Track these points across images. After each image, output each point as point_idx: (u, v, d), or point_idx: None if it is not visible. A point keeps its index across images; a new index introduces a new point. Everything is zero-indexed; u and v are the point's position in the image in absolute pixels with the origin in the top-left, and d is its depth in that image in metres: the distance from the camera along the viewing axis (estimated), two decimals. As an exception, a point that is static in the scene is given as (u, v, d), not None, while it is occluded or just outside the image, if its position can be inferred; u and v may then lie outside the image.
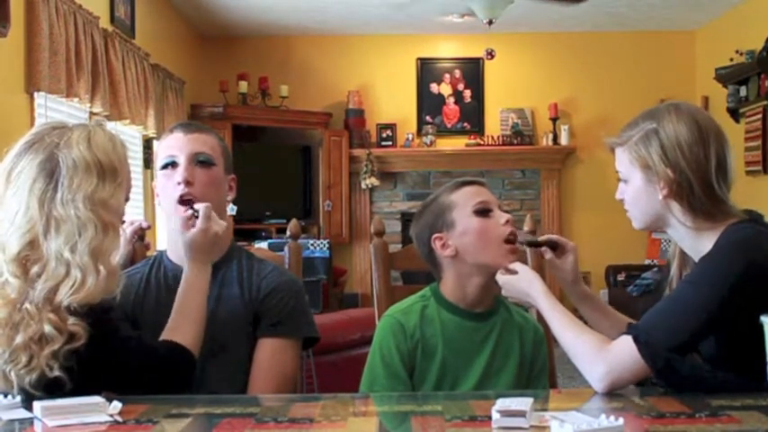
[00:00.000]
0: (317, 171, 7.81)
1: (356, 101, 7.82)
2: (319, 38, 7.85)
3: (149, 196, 5.58)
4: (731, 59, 6.67)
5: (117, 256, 1.60)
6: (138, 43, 5.60)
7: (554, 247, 1.87)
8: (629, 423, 1.30)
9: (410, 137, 7.85)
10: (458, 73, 8.01)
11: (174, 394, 1.60)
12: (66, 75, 4.21)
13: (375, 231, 2.21)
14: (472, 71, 8.00)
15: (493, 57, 7.75)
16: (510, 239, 1.81)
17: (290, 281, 1.94)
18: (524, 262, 1.92)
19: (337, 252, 7.34)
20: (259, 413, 1.43)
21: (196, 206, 1.80)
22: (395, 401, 1.66)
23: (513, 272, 1.77)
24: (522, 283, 1.75)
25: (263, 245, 5.25)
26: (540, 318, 1.79)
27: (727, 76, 6.73)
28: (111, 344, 1.56)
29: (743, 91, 6.62)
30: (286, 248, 2.22)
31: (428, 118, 7.98)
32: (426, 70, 8.02)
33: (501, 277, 1.78)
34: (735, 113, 6.80)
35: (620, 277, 7.20)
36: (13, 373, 1.48)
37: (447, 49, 7.99)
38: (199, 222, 1.77)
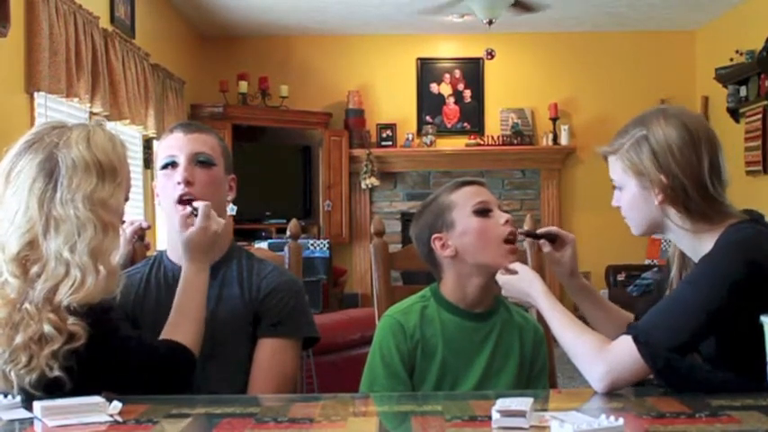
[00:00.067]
0: (316, 171, 7.81)
1: (356, 101, 7.82)
2: (319, 38, 7.85)
3: (149, 196, 5.58)
4: (731, 59, 6.67)
5: (117, 256, 1.59)
6: (138, 43, 5.60)
7: (553, 239, 1.87)
8: (629, 423, 1.30)
9: (410, 137, 7.85)
10: (458, 73, 8.01)
11: (175, 394, 1.60)
12: (67, 75, 4.21)
13: (375, 231, 2.21)
14: (472, 71, 8.00)
15: (493, 57, 7.76)
16: (510, 239, 1.81)
17: (290, 281, 1.94)
18: (524, 262, 1.92)
19: (337, 252, 7.34)
20: (259, 413, 1.43)
21: (195, 204, 1.80)
22: (395, 401, 1.66)
23: (513, 272, 1.77)
24: (523, 283, 1.75)
25: (263, 245, 5.25)
26: (540, 318, 1.79)
27: (727, 76, 6.73)
28: (111, 343, 1.56)
29: (743, 91, 6.62)
30: (286, 248, 2.22)
31: (428, 118, 7.98)
32: (426, 70, 8.02)
33: (501, 277, 1.78)
34: (735, 113, 6.80)
35: (620, 277, 7.20)
36: (12, 373, 1.48)
37: (447, 49, 7.99)
38: (198, 221, 1.77)
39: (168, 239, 1.97)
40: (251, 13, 7.08)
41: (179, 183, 1.85)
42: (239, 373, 1.84)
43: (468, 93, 8.01)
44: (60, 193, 1.53)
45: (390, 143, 7.87)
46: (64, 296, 1.49)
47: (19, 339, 1.47)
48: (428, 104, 8.01)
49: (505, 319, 1.87)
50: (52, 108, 4.23)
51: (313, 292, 5.35)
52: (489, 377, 1.80)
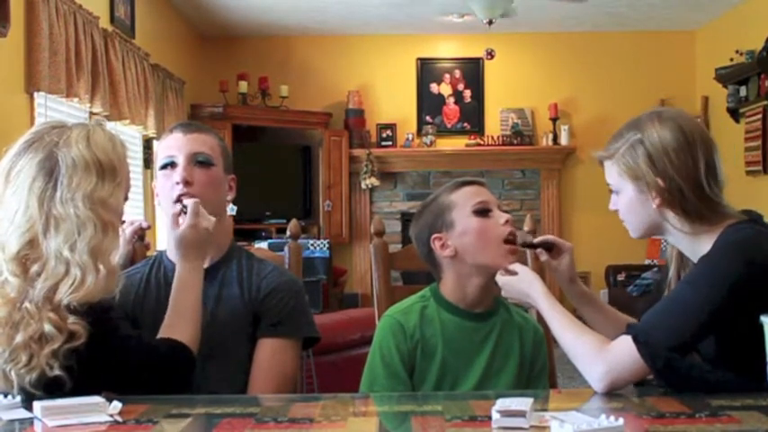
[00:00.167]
0: (317, 171, 7.81)
1: (356, 101, 7.82)
2: (319, 38, 7.85)
3: (149, 196, 5.58)
4: (731, 59, 6.67)
5: (116, 256, 1.59)
6: (138, 43, 5.60)
7: (549, 248, 1.87)
8: (629, 423, 1.30)
9: (410, 137, 7.85)
10: (458, 73, 8.02)
11: (175, 393, 1.60)
12: (66, 75, 4.21)
13: (375, 231, 2.21)
14: (472, 71, 8.00)
15: (493, 57, 7.75)
16: (509, 240, 1.81)
17: (290, 281, 1.94)
18: (524, 262, 1.92)
19: (337, 252, 7.34)
20: (259, 413, 1.43)
21: (185, 201, 1.80)
22: (395, 401, 1.66)
23: (513, 273, 1.77)
24: (522, 283, 1.75)
25: (263, 245, 5.25)
26: (540, 318, 1.79)
27: (727, 76, 6.73)
28: (110, 343, 1.56)
29: (743, 91, 6.62)
30: (286, 248, 2.22)
31: (428, 118, 7.98)
32: (426, 70, 8.02)
33: (501, 278, 1.78)
34: (735, 113, 6.80)
35: (620, 277, 7.20)
36: (13, 373, 1.48)
37: (447, 49, 7.99)
38: (187, 218, 1.77)
39: (168, 239, 1.97)
40: (251, 13, 7.08)
41: (178, 183, 1.85)
42: (239, 373, 1.84)
43: (468, 93, 8.01)
44: (60, 193, 1.53)
45: (390, 143, 7.87)
46: (64, 295, 1.49)
47: (19, 338, 1.47)
48: (428, 104, 8.01)
49: (505, 320, 1.87)
50: (52, 108, 4.23)
51: (313, 292, 5.35)
52: (489, 377, 1.80)
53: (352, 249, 7.89)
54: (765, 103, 6.29)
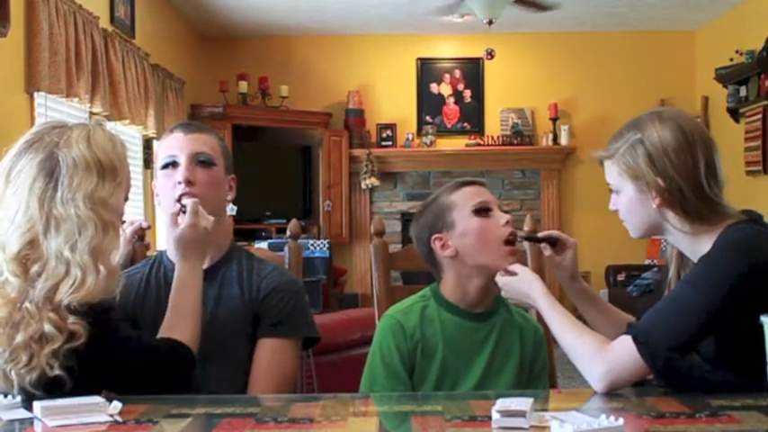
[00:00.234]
0: (317, 171, 7.81)
1: (356, 101, 7.82)
2: (319, 38, 7.85)
3: (149, 196, 5.58)
4: (731, 59, 6.67)
5: (117, 256, 1.60)
6: (138, 43, 5.60)
7: (554, 243, 1.87)
8: (629, 423, 1.30)
9: (410, 137, 7.85)
10: (458, 73, 8.02)
11: (175, 393, 1.60)
12: (66, 75, 4.21)
13: (375, 231, 2.21)
14: (472, 71, 8.00)
15: (493, 57, 7.76)
16: (510, 240, 1.81)
17: (290, 281, 1.94)
18: (524, 263, 1.92)
19: (337, 252, 7.34)
20: (259, 413, 1.43)
21: (184, 201, 1.80)
22: (395, 401, 1.66)
23: (513, 273, 1.77)
24: (522, 284, 1.75)
25: (263, 245, 5.25)
26: (540, 318, 1.79)
27: (727, 76, 6.73)
28: (111, 343, 1.56)
29: (743, 91, 6.62)
30: (286, 248, 2.22)
31: (428, 118, 7.98)
32: (426, 70, 8.02)
33: (501, 279, 1.78)
34: (735, 113, 6.80)
35: (620, 277, 7.20)
36: (13, 373, 1.48)
37: (447, 49, 7.99)
38: (186, 218, 1.77)
39: (168, 239, 1.97)
40: (251, 13, 7.08)
41: (179, 182, 1.85)
42: (239, 373, 1.84)
43: (468, 93, 8.01)
44: (61, 193, 1.53)
45: (390, 143, 7.87)
46: (64, 295, 1.49)
47: (19, 338, 1.47)
48: (428, 104, 8.01)
49: (506, 320, 1.87)
50: (52, 108, 4.23)
51: (313, 292, 5.35)
52: (489, 377, 1.80)
53: (352, 249, 7.89)
54: (765, 103, 6.29)
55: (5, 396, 1.44)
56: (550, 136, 7.81)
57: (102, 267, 1.52)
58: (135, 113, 5.27)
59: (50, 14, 4.06)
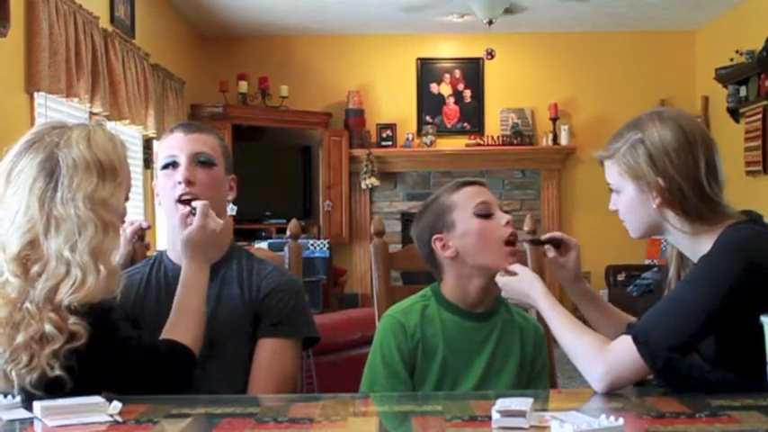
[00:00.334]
0: (317, 171, 7.81)
1: (356, 101, 7.82)
2: (319, 38, 7.85)
3: (149, 196, 5.59)
4: (731, 59, 6.67)
5: (117, 256, 1.60)
6: (138, 43, 5.60)
7: (557, 244, 1.87)
8: (629, 423, 1.30)
9: (410, 137, 7.85)
10: (458, 73, 8.02)
11: (175, 393, 1.60)
12: (66, 75, 4.21)
13: (375, 231, 2.21)
14: (472, 71, 8.00)
15: (493, 57, 7.75)
16: (510, 241, 1.81)
17: (290, 281, 1.94)
18: (524, 263, 1.92)
19: (337, 252, 7.34)
20: (259, 413, 1.43)
21: (194, 203, 1.81)
22: (395, 401, 1.66)
23: (513, 273, 1.77)
24: (522, 284, 1.75)
25: (263, 245, 5.25)
26: (541, 318, 1.79)
27: (727, 76, 6.73)
28: (111, 343, 1.56)
29: (743, 91, 6.62)
30: (286, 248, 2.22)
31: (428, 118, 7.98)
32: (426, 70, 8.02)
33: (501, 279, 1.78)
34: (735, 113, 6.80)
35: (620, 277, 7.20)
36: (13, 373, 1.48)
37: (447, 49, 7.99)
38: (196, 219, 1.78)
39: (168, 239, 1.97)
40: (251, 13, 7.08)
41: (180, 182, 1.85)
42: (239, 373, 1.84)
43: (468, 93, 8.01)
44: (61, 193, 1.53)
45: (390, 143, 7.87)
46: (65, 295, 1.49)
47: (20, 339, 1.47)
48: (428, 104, 8.01)
49: (506, 320, 1.87)
50: (52, 108, 4.23)
51: (313, 292, 5.35)
52: (489, 377, 1.80)
53: (352, 249, 7.89)
54: (765, 103, 6.29)
55: (5, 396, 1.44)
56: (550, 136, 7.81)
57: (102, 267, 1.52)
58: (135, 113, 5.27)
59: (50, 14, 4.06)
